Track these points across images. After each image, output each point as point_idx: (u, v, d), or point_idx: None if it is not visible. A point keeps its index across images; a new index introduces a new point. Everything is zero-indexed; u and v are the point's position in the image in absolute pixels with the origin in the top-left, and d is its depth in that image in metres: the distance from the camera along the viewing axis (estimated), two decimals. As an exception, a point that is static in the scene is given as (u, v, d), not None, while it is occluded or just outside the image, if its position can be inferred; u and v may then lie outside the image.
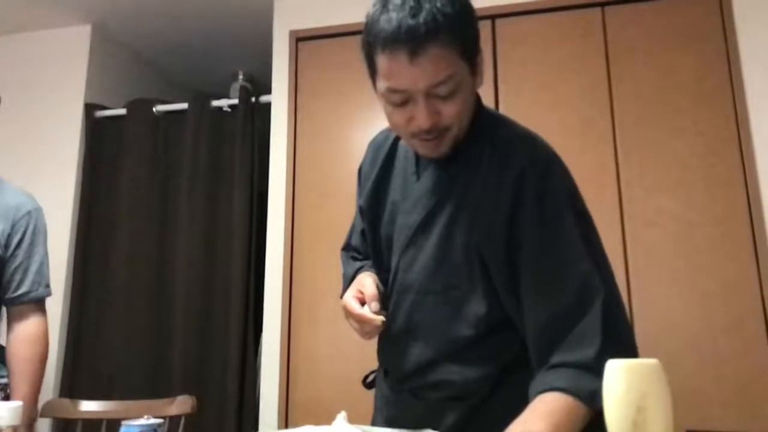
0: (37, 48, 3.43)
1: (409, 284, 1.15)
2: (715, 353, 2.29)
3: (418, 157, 1.17)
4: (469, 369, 1.11)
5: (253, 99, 3.19)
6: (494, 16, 2.74)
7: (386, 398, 1.24)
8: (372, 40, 1.01)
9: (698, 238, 2.39)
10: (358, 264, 1.34)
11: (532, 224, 1.04)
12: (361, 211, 1.29)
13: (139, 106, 3.30)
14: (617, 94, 2.58)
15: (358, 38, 1.09)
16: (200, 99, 3.24)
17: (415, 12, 0.95)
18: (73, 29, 3.40)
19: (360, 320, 1.14)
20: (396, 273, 1.18)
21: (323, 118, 2.87)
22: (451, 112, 1.02)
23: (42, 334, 1.82)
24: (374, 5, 1.02)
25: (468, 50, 1.00)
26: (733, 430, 2.11)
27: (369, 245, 1.29)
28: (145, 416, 1.12)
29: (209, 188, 3.10)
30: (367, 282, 1.19)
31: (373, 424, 1.25)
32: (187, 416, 1.94)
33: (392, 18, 0.96)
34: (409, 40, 0.95)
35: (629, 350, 1.01)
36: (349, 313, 1.16)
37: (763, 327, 2.27)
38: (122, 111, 3.32)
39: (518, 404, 1.08)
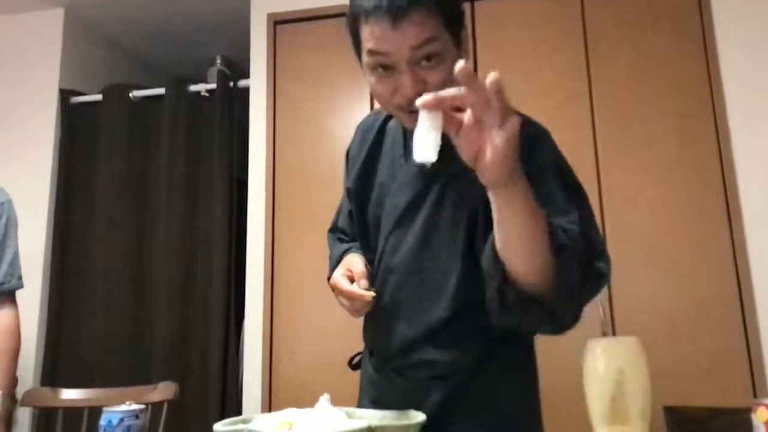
0: (8, 32, 3.36)
1: (394, 265, 1.17)
2: (690, 330, 2.33)
3: (406, 139, 1.18)
4: (449, 351, 1.13)
5: (232, 84, 3.16)
6: (473, -2, 2.74)
7: (371, 378, 1.25)
8: (356, 16, 1.03)
9: (674, 218, 2.43)
10: (344, 246, 1.34)
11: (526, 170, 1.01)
12: (349, 192, 1.30)
13: (115, 92, 3.25)
14: (595, 76, 2.60)
15: (336, 21, 1.11)
16: (177, 84, 3.20)
17: None
18: (46, 12, 3.33)
19: (350, 297, 1.13)
20: (382, 254, 1.19)
21: (302, 102, 2.86)
22: (436, 80, 1.01)
23: (15, 326, 1.81)
24: None
25: (450, 20, 1.02)
26: (709, 405, 2.15)
27: (356, 227, 1.30)
28: (127, 402, 1.12)
29: (188, 174, 3.08)
30: (355, 261, 1.20)
31: (359, 404, 1.26)
32: (170, 402, 1.94)
33: None
34: (390, 8, 0.97)
35: (602, 252, 1.01)
36: (338, 291, 1.16)
37: (738, 304, 2.32)
38: (98, 97, 3.27)
39: (503, 382, 1.14)
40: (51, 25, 3.32)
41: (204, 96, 3.20)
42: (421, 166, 1.05)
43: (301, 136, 2.84)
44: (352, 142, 1.34)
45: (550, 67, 2.63)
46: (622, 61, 2.59)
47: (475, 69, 2.70)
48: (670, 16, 2.59)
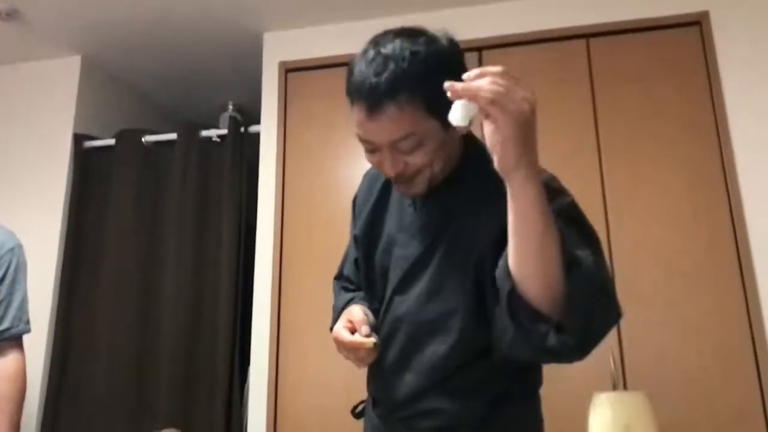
0: (26, 79, 3.43)
1: (402, 315, 1.16)
2: (705, 384, 2.29)
3: None
4: (458, 399, 1.11)
5: (243, 129, 3.20)
6: (480, 48, 2.78)
7: (375, 427, 1.24)
8: (346, 88, 1.07)
9: (686, 266, 2.41)
10: (348, 295, 1.33)
11: None
12: (356, 240, 1.30)
13: (128, 137, 3.30)
14: (602, 124, 2.61)
15: (346, 70, 1.12)
16: (189, 129, 3.25)
17: (379, 71, 1.00)
18: (63, 60, 3.41)
19: (352, 347, 1.13)
20: (389, 304, 1.18)
21: (312, 149, 2.89)
22: (416, 162, 1.05)
23: (20, 371, 1.80)
24: (360, 53, 1.07)
25: (436, 107, 0.99)
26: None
27: (362, 275, 1.29)
28: (128, 451, 1.10)
29: (198, 219, 3.09)
30: (355, 310, 1.20)
31: None
32: (173, 450, 1.91)
33: (360, 72, 1.02)
34: (368, 98, 1.00)
35: (612, 297, 0.97)
36: (340, 343, 1.15)
37: (751, 353, 2.28)
38: (111, 141, 3.31)
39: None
40: (68, 72, 3.39)
41: (215, 141, 3.24)
42: (430, 219, 1.06)
43: (311, 182, 2.86)
44: (360, 189, 1.36)
45: (557, 116, 2.65)
46: (628, 108, 2.61)
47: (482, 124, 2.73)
48: (675, 62, 2.62)
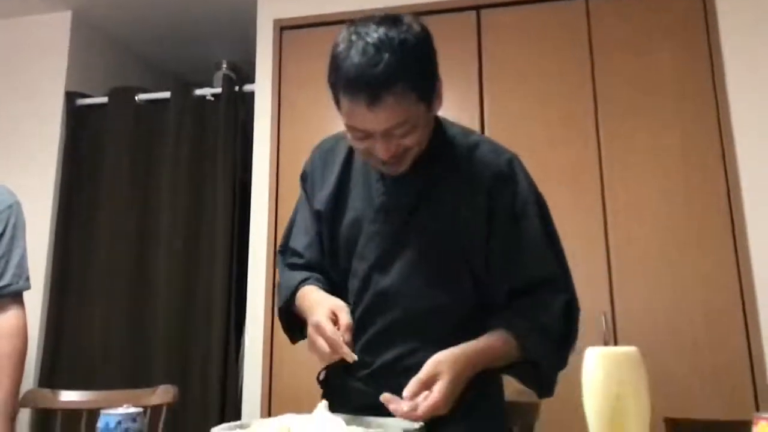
0: (16, 35, 3.37)
1: (385, 288, 1.21)
2: (694, 343, 2.32)
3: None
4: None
5: (237, 88, 3.16)
6: (479, 6, 2.74)
7: (356, 390, 1.23)
8: (336, 81, 1.09)
9: (678, 230, 2.42)
10: (302, 274, 1.31)
11: (505, 218, 1.19)
12: (320, 215, 1.30)
13: (121, 95, 3.26)
14: (600, 88, 2.60)
15: (342, 28, 1.13)
16: (183, 88, 3.21)
17: (375, 62, 1.03)
18: (54, 15, 3.35)
19: (332, 345, 1.10)
20: (367, 281, 1.23)
21: (307, 108, 2.86)
22: (409, 143, 1.12)
23: (21, 327, 1.80)
24: (342, 41, 1.09)
25: (425, 93, 1.10)
26: (711, 418, 2.13)
27: (326, 248, 1.30)
28: (125, 405, 1.11)
29: (192, 178, 3.08)
30: (339, 305, 1.17)
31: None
32: (169, 406, 1.93)
33: (353, 64, 1.04)
34: (368, 89, 1.03)
35: (572, 344, 1.21)
36: (321, 332, 1.12)
37: (741, 317, 2.31)
38: (104, 99, 3.28)
39: (492, 383, 1.26)
40: (58, 28, 3.33)
41: (209, 100, 3.21)
42: (402, 195, 1.17)
43: (306, 140, 2.79)
44: (312, 164, 1.38)
45: (555, 81, 2.64)
46: (627, 75, 2.59)
47: (480, 80, 2.71)
48: (677, 29, 2.59)
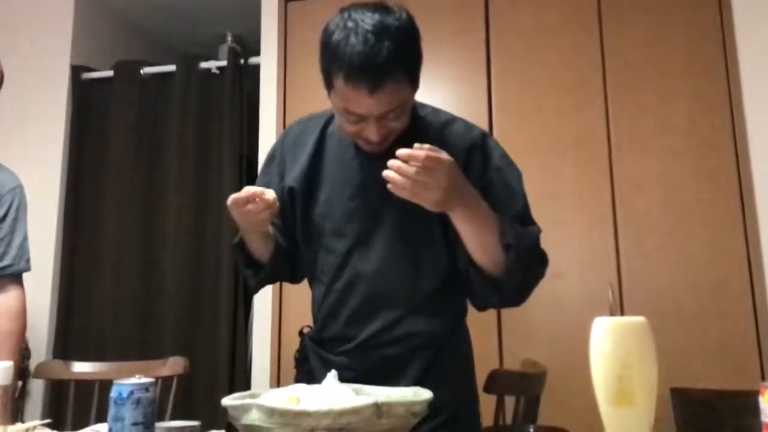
0: (20, 8, 3.35)
1: (368, 262, 1.25)
2: (700, 313, 2.33)
3: (357, 146, 1.27)
4: (433, 319, 1.26)
5: (242, 61, 3.15)
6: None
7: (339, 364, 1.21)
8: (333, 67, 1.11)
9: (686, 200, 2.41)
10: None
11: (478, 178, 1.22)
12: (293, 191, 1.32)
13: (126, 68, 3.25)
14: (609, 55, 2.57)
15: (343, 5, 1.15)
16: (188, 61, 3.19)
17: (377, 50, 1.07)
18: (57, -12, 3.32)
19: (252, 197, 1.13)
20: (349, 255, 1.26)
21: (313, 80, 2.77)
22: (397, 126, 1.18)
23: (21, 308, 1.82)
24: (337, 28, 1.11)
25: (415, 77, 1.16)
26: (716, 388, 2.15)
27: (299, 225, 1.32)
28: (137, 376, 1.13)
29: (198, 151, 3.08)
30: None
31: None
32: (180, 377, 1.96)
33: (355, 52, 1.07)
34: (371, 77, 1.07)
35: (536, 274, 1.23)
36: (238, 200, 1.15)
37: (748, 287, 2.31)
38: (109, 73, 3.27)
39: (465, 349, 1.34)
40: (62, 2, 3.30)
41: (214, 73, 3.19)
42: (379, 172, 1.16)
43: (311, 112, 2.82)
44: (283, 145, 1.40)
45: (562, 49, 2.61)
46: (635, 41, 2.56)
47: (488, 48, 2.68)
48: (687, -5, 2.55)
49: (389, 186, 1.07)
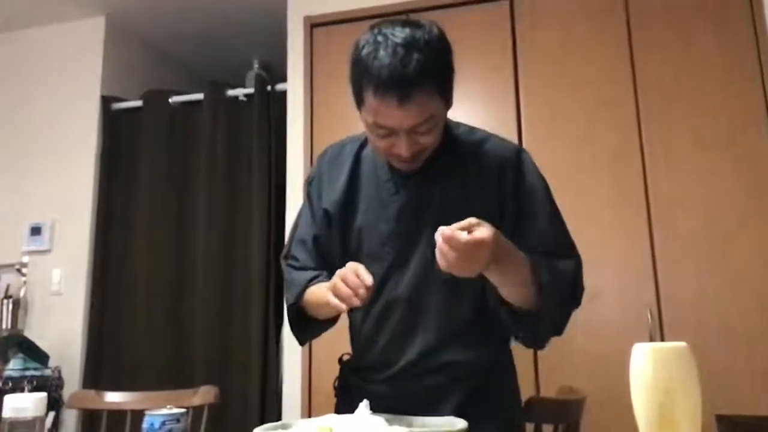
0: (52, 41, 3.44)
1: (405, 286, 1.23)
2: (746, 335, 2.25)
3: (392, 167, 1.26)
4: (472, 349, 1.22)
5: (269, 87, 3.18)
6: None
7: (376, 394, 1.19)
8: (363, 80, 1.12)
9: (726, 217, 2.34)
10: (310, 273, 1.31)
11: (513, 199, 1.22)
12: (328, 215, 1.31)
13: (155, 98, 3.30)
14: (640, 73, 2.52)
15: (372, 23, 1.15)
16: (216, 89, 3.24)
17: (406, 62, 1.07)
18: (88, 21, 3.41)
19: (360, 282, 1.08)
20: (386, 279, 1.24)
21: (340, 105, 2.85)
22: (427, 142, 1.17)
23: None
24: (367, 44, 1.12)
25: (445, 91, 1.15)
26: (762, 414, 2.07)
27: (336, 249, 1.30)
28: (168, 406, 1.12)
29: (227, 178, 3.10)
30: (361, 267, 1.14)
31: None
32: (211, 406, 1.95)
33: (384, 65, 1.08)
34: (400, 88, 1.07)
35: (574, 305, 1.22)
36: (352, 268, 1.10)
37: (794, 308, 2.23)
38: (138, 103, 3.33)
39: (509, 379, 1.30)
40: (92, 34, 3.39)
41: (242, 100, 3.23)
42: (414, 194, 1.22)
43: (339, 137, 2.82)
44: (319, 170, 1.39)
45: (593, 65, 2.57)
46: (668, 56, 2.51)
47: (516, 69, 2.66)
48: (719, 8, 2.50)
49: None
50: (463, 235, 0.98)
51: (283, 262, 1.43)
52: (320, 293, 1.20)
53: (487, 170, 1.23)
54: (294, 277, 1.33)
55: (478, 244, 0.99)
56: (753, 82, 2.42)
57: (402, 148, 1.14)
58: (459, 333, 1.22)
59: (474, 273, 1.05)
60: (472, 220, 1.01)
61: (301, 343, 1.40)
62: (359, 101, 1.17)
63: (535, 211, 1.22)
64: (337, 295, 1.11)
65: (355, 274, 1.09)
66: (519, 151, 1.28)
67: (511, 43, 2.68)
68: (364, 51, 1.12)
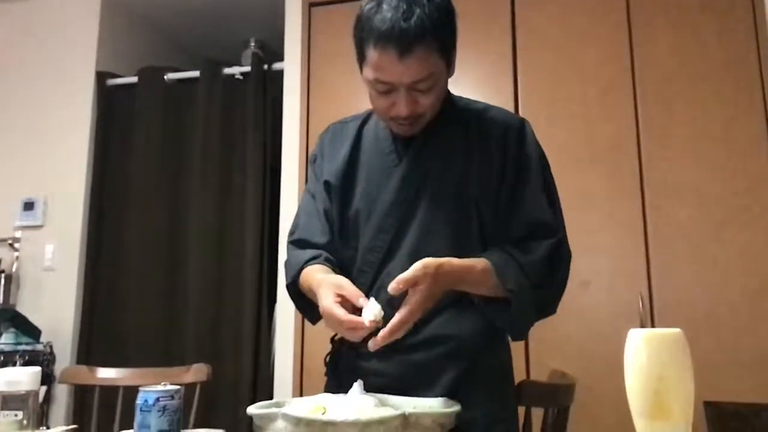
0: (46, 15, 3.40)
1: (407, 253, 1.21)
2: (733, 324, 2.27)
3: (395, 139, 1.28)
4: (463, 321, 1.20)
5: (266, 66, 3.15)
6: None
7: (370, 370, 1.19)
8: (365, 35, 1.14)
9: (719, 209, 2.36)
10: (308, 253, 1.28)
11: (513, 167, 1.24)
12: (329, 187, 1.31)
13: (150, 74, 3.27)
14: (638, 61, 2.52)
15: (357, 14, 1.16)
16: (212, 67, 3.21)
17: (407, 16, 1.09)
18: (84, -5, 3.37)
19: (350, 326, 1.06)
20: (391, 250, 1.23)
21: (336, 86, 2.83)
22: (426, 102, 1.17)
23: None
24: (369, 2, 1.14)
25: (446, 50, 1.16)
26: (749, 401, 2.09)
27: (336, 221, 1.30)
28: (163, 383, 1.12)
29: (222, 157, 3.09)
30: (341, 282, 1.13)
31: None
32: (203, 384, 1.95)
33: (386, 18, 1.09)
34: (400, 41, 1.08)
35: (556, 287, 1.22)
36: (336, 320, 1.07)
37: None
38: (134, 79, 3.30)
39: (504, 358, 1.28)
40: (88, 8, 3.35)
41: (238, 79, 3.21)
42: (416, 164, 1.24)
43: (335, 118, 2.80)
44: (321, 146, 1.40)
45: (591, 52, 2.57)
46: (666, 44, 2.51)
47: (515, 55, 2.65)
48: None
49: (366, 313, 1.06)
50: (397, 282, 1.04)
51: (288, 245, 1.39)
52: (311, 286, 1.19)
53: (491, 137, 1.25)
54: (293, 257, 1.32)
55: (402, 323, 1.04)
56: (751, 74, 2.42)
57: (401, 106, 1.16)
58: (448, 305, 1.19)
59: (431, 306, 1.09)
60: (416, 274, 1.04)
61: (312, 323, 1.34)
62: (361, 58, 1.18)
63: (529, 179, 1.23)
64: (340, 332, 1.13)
65: (340, 309, 1.07)
66: (523, 121, 1.30)
67: (511, 28, 2.67)
68: (368, 6, 1.14)
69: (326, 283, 1.13)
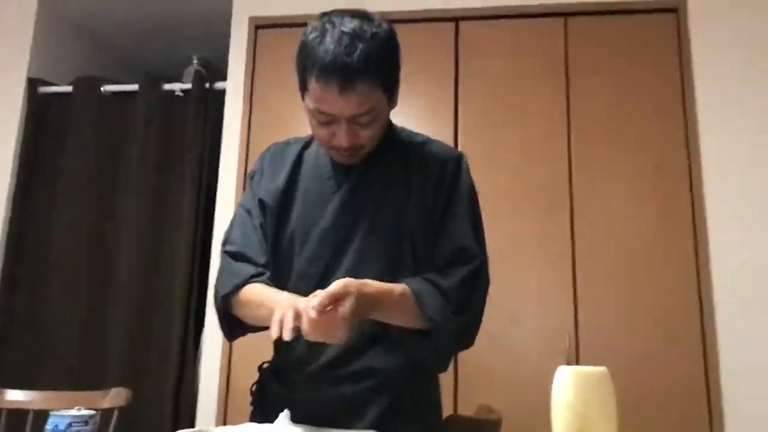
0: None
1: (337, 275, 1.18)
2: (650, 361, 2.35)
3: (334, 166, 1.28)
4: (388, 358, 1.20)
5: (207, 85, 3.10)
6: (458, 18, 2.74)
7: (294, 400, 1.17)
8: (308, 65, 1.12)
9: (643, 251, 2.46)
10: (251, 269, 1.25)
11: (445, 199, 1.25)
12: (264, 205, 1.30)
13: (86, 84, 3.17)
14: (574, 110, 2.62)
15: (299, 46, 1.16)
16: (152, 81, 3.14)
17: (350, 50, 1.08)
18: (19, -1, 3.25)
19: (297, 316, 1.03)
20: (323, 277, 1.20)
21: (280, 110, 2.81)
22: (367, 135, 1.18)
23: None
24: (314, 29, 1.13)
25: (389, 85, 1.17)
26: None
27: (270, 240, 1.28)
28: (76, 408, 1.06)
29: (158, 175, 3.00)
30: (302, 302, 1.08)
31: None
32: (121, 409, 1.87)
33: (329, 50, 1.09)
34: (343, 76, 1.08)
35: (473, 313, 1.21)
36: (295, 305, 1.04)
37: (700, 345, 2.36)
38: (68, 88, 3.18)
39: (430, 395, 1.28)
40: (23, 10, 3.23)
41: (178, 95, 3.14)
42: (354, 191, 1.23)
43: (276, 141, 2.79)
44: (261, 165, 1.38)
45: (530, 99, 2.66)
46: (602, 92, 2.62)
47: (456, 95, 2.70)
48: (650, 48, 2.64)
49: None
50: (312, 313, 0.98)
51: (222, 254, 1.36)
52: (271, 293, 1.17)
53: (429, 171, 1.26)
54: (233, 267, 1.27)
55: (330, 320, 1.00)
56: (676, 122, 2.55)
57: (341, 137, 1.15)
58: (381, 336, 1.20)
59: (338, 340, 1.03)
60: (339, 290, 1.01)
61: (229, 340, 1.35)
62: (303, 86, 1.17)
63: (457, 211, 1.25)
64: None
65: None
66: (460, 155, 1.33)
67: (454, 68, 2.72)
68: (311, 36, 1.13)
69: (283, 302, 1.09)
